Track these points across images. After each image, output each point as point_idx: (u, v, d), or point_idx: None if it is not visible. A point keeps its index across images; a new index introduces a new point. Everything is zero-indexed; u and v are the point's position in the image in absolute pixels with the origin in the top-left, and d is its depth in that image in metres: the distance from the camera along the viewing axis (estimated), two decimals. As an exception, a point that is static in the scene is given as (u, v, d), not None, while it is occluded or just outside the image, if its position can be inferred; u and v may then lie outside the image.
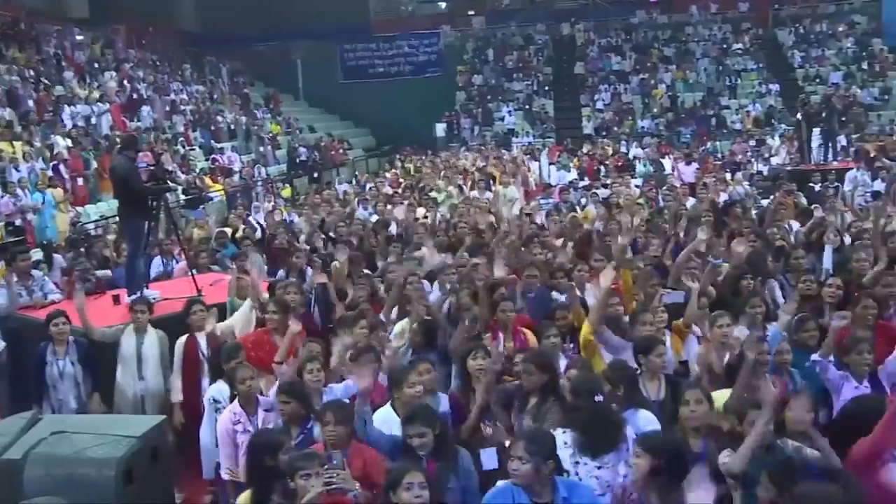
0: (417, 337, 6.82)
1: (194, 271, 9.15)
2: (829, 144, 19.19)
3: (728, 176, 17.45)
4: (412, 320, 6.97)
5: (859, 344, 5.81)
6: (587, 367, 5.78)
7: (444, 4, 42.50)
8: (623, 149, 26.29)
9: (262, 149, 27.64)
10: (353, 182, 22.95)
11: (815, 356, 5.87)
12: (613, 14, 38.83)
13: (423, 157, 27.10)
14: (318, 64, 36.38)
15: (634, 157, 22.51)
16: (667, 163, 21.25)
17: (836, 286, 7.12)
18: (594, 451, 4.77)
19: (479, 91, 36.40)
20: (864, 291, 6.91)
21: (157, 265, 10.55)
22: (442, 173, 20.33)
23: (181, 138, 24.09)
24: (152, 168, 8.85)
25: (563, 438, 4.80)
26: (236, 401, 5.90)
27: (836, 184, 15.82)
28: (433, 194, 15.84)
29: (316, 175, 26.13)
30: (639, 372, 5.75)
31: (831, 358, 5.85)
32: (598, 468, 4.75)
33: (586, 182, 19.06)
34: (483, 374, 5.64)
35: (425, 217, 12.71)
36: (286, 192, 22.88)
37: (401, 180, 20.78)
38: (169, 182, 9.86)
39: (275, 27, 35.88)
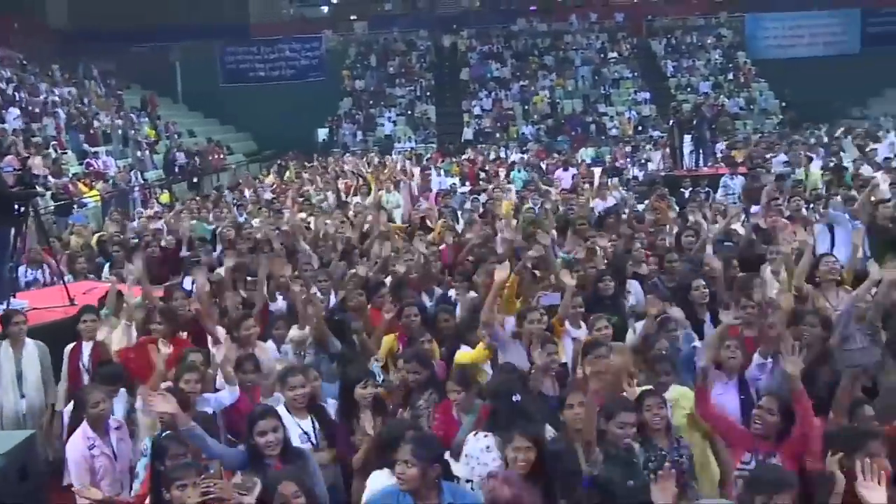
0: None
1: (69, 278, 8.84)
2: (700, 151, 19.86)
3: (615, 181, 17.77)
4: (300, 326, 6.94)
5: (729, 341, 6.07)
6: (506, 370, 5.81)
7: (326, 9, 42.26)
8: (504, 155, 26.70)
9: (139, 153, 26.80)
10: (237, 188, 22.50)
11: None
12: (494, 21, 39.46)
13: (305, 163, 26.83)
14: (198, 66, 35.53)
15: (514, 163, 22.80)
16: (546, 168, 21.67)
17: (701, 287, 7.38)
18: None
19: (361, 96, 36.34)
20: (744, 292, 7.16)
21: (22, 274, 10.05)
22: (323, 179, 20.16)
23: (53, 142, 23.14)
24: (19, 172, 8.50)
25: (486, 442, 4.83)
26: (85, 424, 5.56)
27: (707, 189, 16.39)
28: (315, 200, 15.70)
29: (195, 180, 25.53)
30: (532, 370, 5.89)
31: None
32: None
33: (467, 187, 19.21)
34: (367, 404, 5.63)
35: (307, 223, 12.60)
36: (164, 198, 22.26)
37: (284, 185, 20.52)
38: (38, 187, 9.49)
39: (151, 27, 34.93)
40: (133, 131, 28.16)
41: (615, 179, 17.74)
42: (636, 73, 36.58)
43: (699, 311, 7.28)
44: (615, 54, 37.23)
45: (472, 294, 7.80)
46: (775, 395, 5.10)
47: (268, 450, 4.71)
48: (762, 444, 4.91)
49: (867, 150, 19.95)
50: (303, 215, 13.38)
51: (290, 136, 32.48)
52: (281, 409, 5.35)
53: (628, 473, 4.51)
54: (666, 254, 8.92)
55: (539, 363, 5.81)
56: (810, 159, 18.33)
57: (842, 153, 19.83)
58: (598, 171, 21.00)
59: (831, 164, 17.20)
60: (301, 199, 15.53)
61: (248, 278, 8.55)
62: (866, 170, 15.99)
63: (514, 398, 5.02)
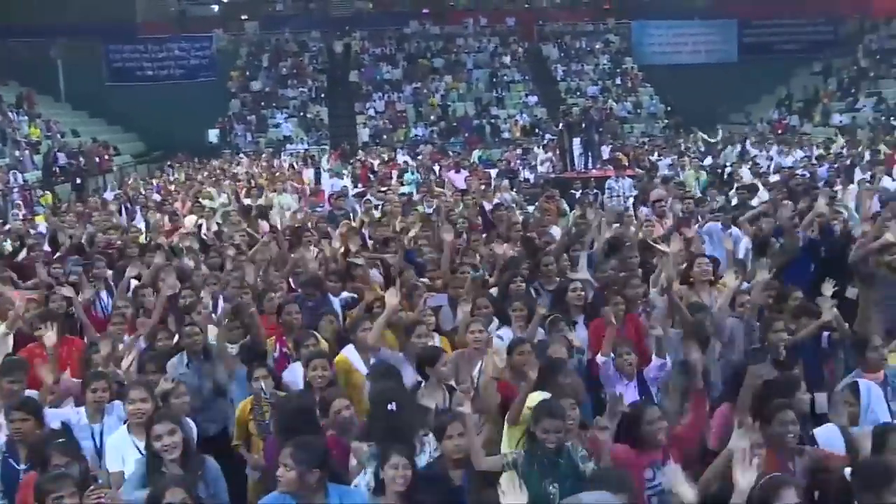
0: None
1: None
2: (589, 154, 20.35)
3: (505, 183, 17.98)
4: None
5: (620, 347, 6.23)
6: (379, 374, 5.75)
7: (216, 8, 41.50)
8: (397, 157, 26.76)
9: (17, 153, 25.75)
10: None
11: (599, 356, 6.32)
12: (387, 24, 39.49)
13: (195, 164, 26.32)
14: (82, 64, 34.39)
15: (406, 165, 22.89)
16: (438, 170, 21.82)
17: (579, 290, 7.49)
18: None
19: (252, 97, 35.83)
20: (616, 291, 7.38)
21: None
22: (214, 181, 19.85)
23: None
24: None
25: (371, 451, 4.79)
26: None
27: (595, 191, 16.83)
28: (205, 202, 15.43)
29: (79, 181, 24.69)
30: (423, 384, 5.81)
31: (611, 355, 6.25)
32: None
33: (360, 189, 19.20)
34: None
35: (198, 225, 12.40)
36: (46, 200, 21.47)
37: (174, 187, 20.09)
38: None
39: (29, 21, 33.55)
40: (10, 129, 27.03)
41: (505, 181, 17.97)
42: (527, 77, 37.22)
43: (573, 312, 7.34)
44: (507, 58, 37.76)
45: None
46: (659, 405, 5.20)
47: (165, 454, 4.61)
48: (656, 453, 4.87)
49: (748, 156, 20.87)
50: (194, 218, 13.17)
51: (180, 136, 31.80)
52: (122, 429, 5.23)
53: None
54: (543, 257, 8.92)
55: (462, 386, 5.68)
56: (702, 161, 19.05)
57: (723, 157, 20.58)
58: (493, 172, 21.24)
59: (714, 169, 17.85)
60: (193, 202, 15.26)
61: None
62: (746, 174, 16.73)
63: (389, 407, 4.92)
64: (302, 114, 34.69)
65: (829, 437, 5.06)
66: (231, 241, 10.41)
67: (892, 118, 28.89)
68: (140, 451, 4.98)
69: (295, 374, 6.26)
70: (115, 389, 5.69)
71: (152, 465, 4.64)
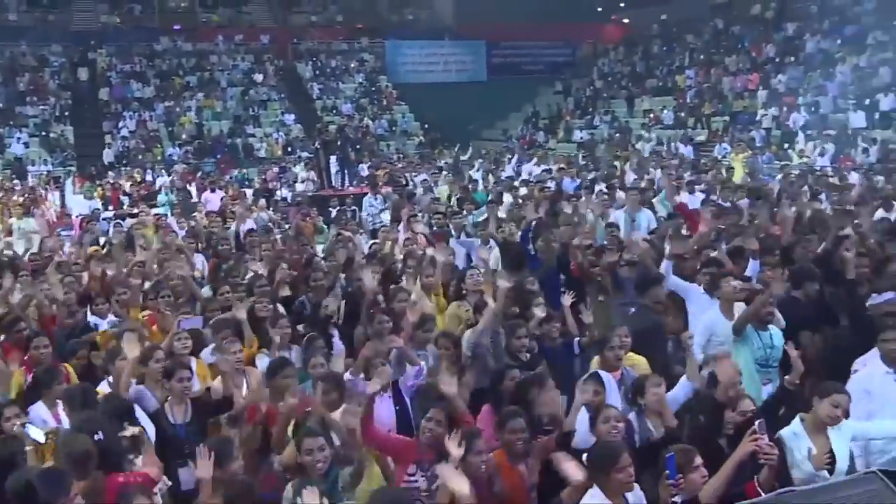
0: None
1: None
2: (346, 171, 20.63)
3: (262, 202, 17.82)
4: None
5: (375, 360, 6.32)
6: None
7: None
8: (149, 177, 25.84)
9: None
10: None
11: (347, 374, 6.43)
12: (136, 39, 37.87)
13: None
14: None
15: (161, 186, 22.19)
16: (193, 191, 21.30)
17: (331, 305, 7.79)
18: None
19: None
20: (378, 308, 7.60)
21: None
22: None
23: None
24: None
25: None
26: None
27: (353, 208, 17.10)
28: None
29: None
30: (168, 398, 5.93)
31: (361, 376, 6.37)
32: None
33: (111, 212, 18.45)
34: None
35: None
36: None
37: None
38: None
39: None
40: None
41: (262, 201, 17.87)
42: (283, 95, 37.06)
43: (327, 327, 7.58)
44: (261, 76, 37.41)
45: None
46: (441, 407, 5.37)
47: None
48: (428, 453, 5.16)
49: (494, 170, 21.95)
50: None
51: None
52: None
53: None
54: (312, 273, 9.06)
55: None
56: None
57: (472, 172, 21.47)
58: (249, 192, 21.02)
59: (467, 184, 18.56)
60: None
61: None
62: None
63: (96, 436, 4.76)
64: (44, 133, 32.42)
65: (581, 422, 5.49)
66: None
67: (625, 135, 31.36)
68: None
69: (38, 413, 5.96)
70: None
71: None
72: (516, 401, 5.55)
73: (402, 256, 9.87)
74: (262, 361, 6.78)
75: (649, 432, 5.57)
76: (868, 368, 5.94)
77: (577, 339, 7.41)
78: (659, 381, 5.75)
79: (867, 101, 25.63)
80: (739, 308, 7.14)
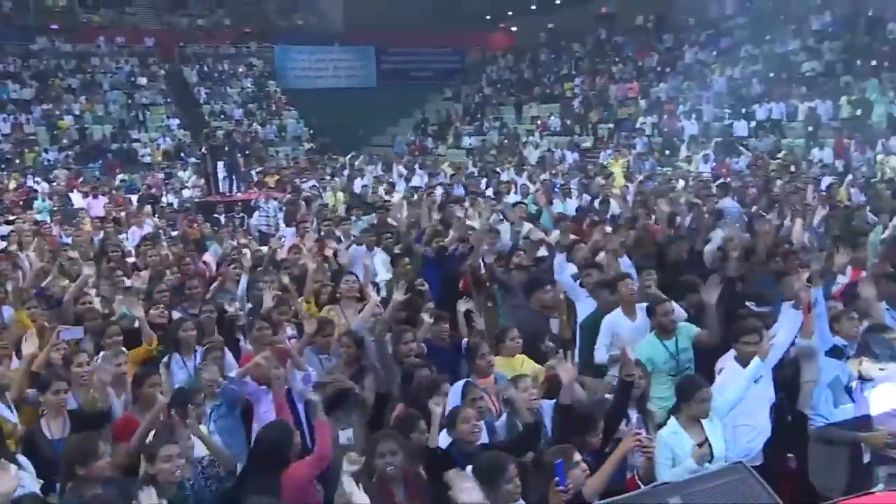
0: None
1: None
2: (233, 177, 20.37)
3: (147, 209, 17.35)
4: None
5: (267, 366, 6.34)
6: None
7: None
8: (30, 182, 24.84)
9: None
10: None
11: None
12: (10, 38, 36.30)
13: None
14: None
15: (39, 192, 21.39)
16: (76, 197, 20.57)
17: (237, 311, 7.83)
18: None
19: None
20: (257, 315, 7.65)
21: None
22: None
23: None
24: None
25: None
26: None
27: (241, 214, 16.90)
28: None
29: None
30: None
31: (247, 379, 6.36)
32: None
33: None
34: None
35: None
36: None
37: None
38: None
39: None
40: None
41: (148, 207, 17.43)
42: (169, 99, 36.22)
43: (233, 331, 7.69)
44: (145, 79, 36.46)
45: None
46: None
47: None
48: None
49: (383, 176, 22.03)
50: None
51: None
52: None
53: None
54: (188, 279, 9.00)
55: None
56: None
57: (360, 178, 21.45)
58: (134, 197, 20.49)
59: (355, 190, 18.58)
60: None
61: None
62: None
63: None
64: (-90, 136, 30.85)
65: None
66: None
67: (514, 141, 31.89)
68: None
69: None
70: None
71: None
72: (419, 406, 5.59)
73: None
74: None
75: (517, 429, 5.74)
76: (727, 369, 6.19)
77: (464, 339, 7.50)
78: (527, 380, 5.95)
79: (744, 111, 26.79)
80: (641, 309, 7.28)
